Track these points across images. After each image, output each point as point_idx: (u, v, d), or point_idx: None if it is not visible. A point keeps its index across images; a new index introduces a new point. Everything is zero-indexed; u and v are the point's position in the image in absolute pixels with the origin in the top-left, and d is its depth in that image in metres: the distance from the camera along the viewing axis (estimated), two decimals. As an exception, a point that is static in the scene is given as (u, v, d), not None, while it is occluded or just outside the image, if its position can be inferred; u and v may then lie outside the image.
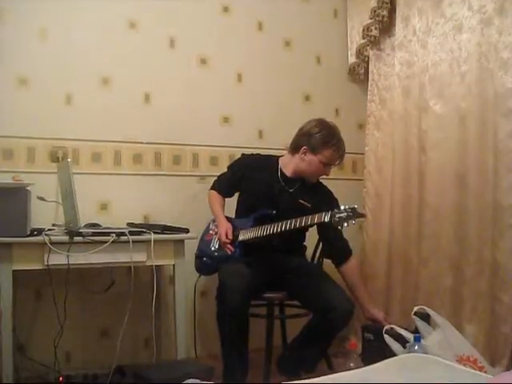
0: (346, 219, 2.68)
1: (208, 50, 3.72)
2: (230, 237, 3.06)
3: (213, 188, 3.35)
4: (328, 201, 3.12)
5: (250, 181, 3.19)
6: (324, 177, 3.20)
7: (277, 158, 3.25)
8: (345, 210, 2.70)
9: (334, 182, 3.63)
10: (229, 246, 3.06)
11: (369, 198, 3.91)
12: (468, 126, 3.23)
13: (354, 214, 2.69)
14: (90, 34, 3.42)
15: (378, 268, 3.79)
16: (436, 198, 3.40)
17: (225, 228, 3.09)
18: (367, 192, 3.93)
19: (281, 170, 3.17)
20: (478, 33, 3.17)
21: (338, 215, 2.70)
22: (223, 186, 3.32)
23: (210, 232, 3.25)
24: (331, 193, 3.22)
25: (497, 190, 3.08)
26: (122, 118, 3.49)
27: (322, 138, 3.05)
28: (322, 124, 3.09)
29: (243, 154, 3.39)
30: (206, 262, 3.20)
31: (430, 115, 3.45)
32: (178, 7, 3.62)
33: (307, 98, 4.02)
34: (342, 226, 2.70)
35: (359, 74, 4.11)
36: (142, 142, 3.52)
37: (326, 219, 2.73)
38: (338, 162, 3.13)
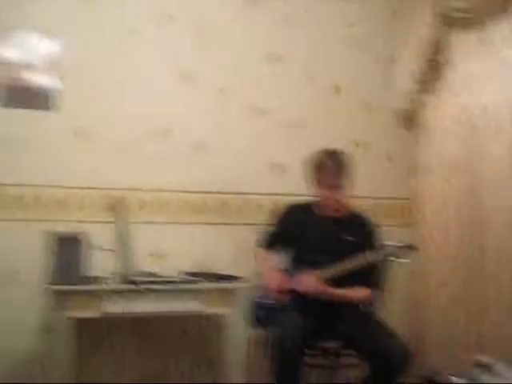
0: (399, 255, 2.65)
1: (260, 100, 3.78)
2: (282, 286, 3.03)
3: (259, 245, 3.30)
4: (370, 233, 3.07)
5: (295, 228, 3.16)
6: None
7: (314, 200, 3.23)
8: (394, 246, 2.66)
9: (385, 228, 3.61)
10: (282, 296, 3.03)
11: (423, 243, 3.82)
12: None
13: (406, 249, 2.68)
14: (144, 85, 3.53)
15: (435, 317, 3.71)
16: (495, 243, 3.33)
17: (277, 278, 3.07)
18: (421, 237, 3.86)
19: (320, 212, 3.15)
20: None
21: (387, 252, 2.67)
22: (269, 241, 3.28)
23: (263, 288, 3.16)
24: (373, 224, 3.15)
25: None
26: (180, 165, 3.57)
27: (312, 167, 3.05)
28: (315, 160, 3.08)
29: (287, 205, 3.35)
30: (261, 315, 3.13)
31: (486, 159, 3.41)
32: (227, 60, 3.71)
33: (357, 145, 4.00)
34: (393, 263, 2.65)
35: (410, 119, 4.07)
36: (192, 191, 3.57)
37: (374, 258, 2.71)
38: (332, 180, 3.03)
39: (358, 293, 3.01)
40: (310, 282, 2.90)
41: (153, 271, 3.17)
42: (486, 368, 2.89)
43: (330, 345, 3.02)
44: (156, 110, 3.54)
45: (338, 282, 2.92)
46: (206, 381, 2.97)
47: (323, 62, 3.96)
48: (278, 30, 3.85)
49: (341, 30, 4.03)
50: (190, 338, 2.97)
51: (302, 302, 3.00)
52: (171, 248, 3.48)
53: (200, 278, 2.99)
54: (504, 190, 3.31)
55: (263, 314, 3.12)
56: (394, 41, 4.14)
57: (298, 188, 3.20)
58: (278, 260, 3.25)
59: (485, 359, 2.92)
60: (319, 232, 3.09)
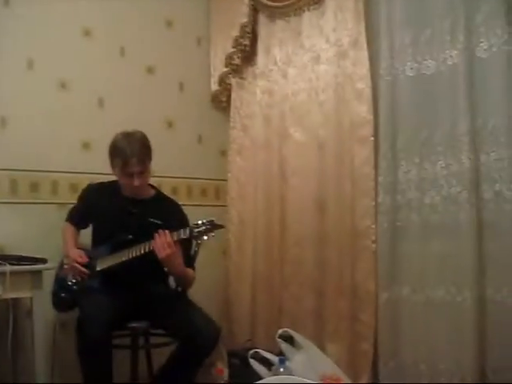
0: (206, 232, 2.70)
1: (68, 74, 3.61)
2: (85, 260, 2.97)
3: (66, 220, 3.27)
4: (176, 214, 3.10)
5: (99, 209, 3.12)
6: (187, 202, 3.19)
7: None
8: (203, 223, 2.72)
9: (196, 208, 3.66)
10: (83, 269, 2.96)
11: (232, 225, 3.97)
12: (326, 153, 3.40)
13: (213, 226, 2.72)
14: None
15: (243, 293, 3.85)
16: (297, 224, 3.53)
17: (76, 254, 3.00)
18: (231, 218, 3.98)
19: (123, 194, 3.11)
20: (334, 64, 3.34)
21: (196, 229, 2.71)
22: (75, 217, 3.25)
23: (65, 267, 3.09)
24: (178, 206, 3.20)
25: (354, 214, 3.24)
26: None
27: (110, 151, 3.01)
28: (113, 141, 3.02)
29: (89, 184, 3.33)
30: (63, 298, 3.06)
31: (291, 143, 3.59)
32: (37, 30, 3.50)
33: (170, 125, 4.02)
34: (202, 240, 2.71)
35: (222, 102, 4.16)
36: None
37: (185, 235, 2.73)
38: (133, 167, 2.94)
39: (189, 272, 3.02)
40: (167, 244, 2.78)
41: None
42: (290, 340, 3.06)
43: (139, 324, 3.00)
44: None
45: (146, 263, 2.89)
46: (10, 367, 2.81)
47: (136, 39, 3.89)
48: (90, 4, 3.70)
49: (155, 9, 3.98)
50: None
51: (108, 282, 2.97)
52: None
53: (1, 261, 2.81)
54: (306, 174, 3.50)
55: (67, 295, 3.04)
56: (209, 22, 4.20)
57: (106, 167, 3.12)
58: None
59: (288, 332, 3.10)
60: (121, 213, 3.05)
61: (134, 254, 2.86)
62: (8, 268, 2.76)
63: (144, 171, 2.97)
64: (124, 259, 2.89)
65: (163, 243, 2.77)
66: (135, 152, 2.92)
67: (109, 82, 3.77)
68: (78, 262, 2.97)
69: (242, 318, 3.81)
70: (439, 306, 2.94)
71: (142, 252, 2.84)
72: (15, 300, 2.99)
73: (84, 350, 2.73)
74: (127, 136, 2.98)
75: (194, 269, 3.09)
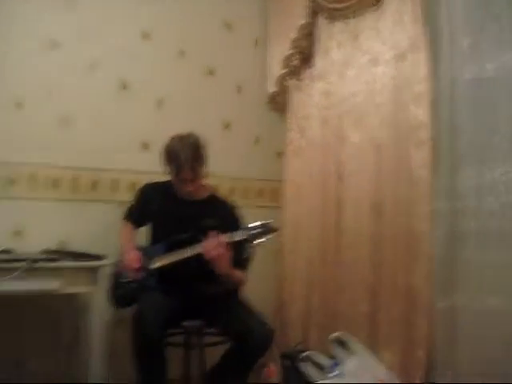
0: (261, 235, 2.70)
1: (129, 75, 3.70)
2: (138, 264, 3.01)
3: (124, 218, 3.32)
4: (232, 215, 3.12)
5: (155, 208, 3.17)
6: (244, 203, 3.20)
7: None
8: (259, 226, 2.72)
9: (252, 209, 3.66)
10: (136, 273, 3.01)
11: (287, 226, 3.96)
12: (383, 155, 3.36)
13: (269, 228, 2.72)
14: None
15: (296, 295, 3.84)
16: (352, 226, 3.50)
17: (131, 256, 3.05)
18: (286, 220, 3.97)
19: (179, 194, 3.14)
20: (392, 66, 3.30)
21: (252, 232, 2.71)
22: (133, 215, 3.30)
23: (122, 265, 3.13)
24: (234, 207, 3.20)
25: (411, 218, 3.19)
26: (38, 141, 3.40)
27: (165, 155, 3.03)
28: (167, 145, 3.04)
29: (146, 184, 3.37)
30: (119, 295, 3.12)
31: (348, 145, 3.56)
32: (100, 32, 3.59)
33: (227, 126, 4.06)
34: (257, 242, 2.70)
35: (279, 103, 4.17)
36: (58, 166, 3.44)
37: (240, 237, 2.74)
38: (186, 174, 2.98)
39: (238, 274, 3.04)
40: (217, 246, 2.81)
41: (10, 249, 3.05)
42: (343, 344, 3.04)
43: (192, 324, 3.04)
44: (12, 79, 3.36)
45: (202, 264, 2.91)
46: (68, 363, 2.88)
47: (195, 41, 3.94)
48: (149, 7, 3.78)
49: (214, 11, 4.03)
50: (51, 319, 2.87)
51: (163, 281, 3.01)
52: (32, 225, 3.35)
53: (60, 256, 2.90)
54: (363, 176, 3.46)
55: (123, 293, 3.10)
56: (267, 24, 4.22)
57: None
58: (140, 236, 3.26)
59: (341, 336, 3.08)
60: (177, 213, 3.09)
61: (187, 255, 2.90)
62: (67, 264, 2.84)
63: (196, 178, 3.01)
64: (178, 259, 2.93)
65: (212, 245, 2.80)
66: (188, 159, 2.94)
67: (168, 83, 3.84)
68: (132, 267, 3.02)
69: (295, 319, 3.80)
70: (496, 315, 2.86)
71: (194, 253, 2.87)
72: (73, 295, 3.07)
73: (139, 347, 2.77)
74: (181, 141, 3.00)
75: (245, 271, 3.09)
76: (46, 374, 3.21)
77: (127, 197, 3.47)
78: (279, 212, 4.02)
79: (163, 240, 3.07)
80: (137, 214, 3.28)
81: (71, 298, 2.99)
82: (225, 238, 2.79)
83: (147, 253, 3.10)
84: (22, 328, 3.13)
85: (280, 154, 4.20)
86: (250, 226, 2.74)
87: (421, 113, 3.14)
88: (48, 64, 3.46)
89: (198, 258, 2.87)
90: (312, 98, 3.88)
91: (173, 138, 3.03)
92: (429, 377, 3.07)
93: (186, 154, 2.94)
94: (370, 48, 3.46)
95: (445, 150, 3.09)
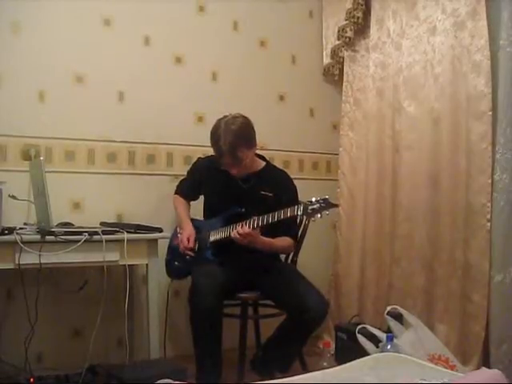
0: (320, 210, 2.67)
1: (183, 49, 3.71)
2: (192, 244, 3.06)
3: (176, 193, 3.36)
4: (287, 187, 3.12)
5: (209, 183, 3.19)
6: (298, 176, 3.18)
7: None
8: (317, 201, 2.69)
9: (307, 182, 3.66)
10: (189, 252, 3.06)
11: (343, 199, 3.95)
12: (441, 127, 3.29)
13: (327, 204, 2.68)
14: (64, 29, 3.38)
15: (352, 267, 3.84)
16: (409, 199, 3.45)
17: (187, 234, 3.09)
18: (341, 192, 3.96)
19: None
20: (451, 35, 3.21)
21: (310, 207, 2.68)
22: (185, 190, 3.33)
23: (178, 235, 3.20)
24: (289, 178, 3.19)
25: (469, 191, 3.13)
26: (96, 117, 3.46)
27: (211, 138, 3.00)
28: (213, 127, 3.01)
29: (199, 158, 3.40)
30: (177, 266, 3.19)
31: (404, 116, 3.50)
32: (154, 6, 3.60)
33: (282, 98, 4.03)
34: (315, 218, 2.69)
35: (334, 75, 4.13)
36: (115, 141, 3.49)
37: (299, 212, 2.71)
38: (226, 160, 2.97)
39: (282, 242, 3.06)
40: (244, 228, 2.84)
41: (70, 222, 3.14)
42: (398, 317, 3.03)
43: (249, 295, 3.07)
44: (74, 55, 3.41)
45: (262, 234, 2.92)
46: (126, 332, 2.95)
47: (249, 14, 3.91)
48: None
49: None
50: (110, 289, 2.94)
51: (219, 253, 3.05)
52: (91, 199, 3.42)
53: (118, 229, 2.96)
54: (420, 148, 3.40)
55: (180, 264, 3.17)
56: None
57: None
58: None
59: (396, 309, 3.06)
60: (232, 187, 3.10)
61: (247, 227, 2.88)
62: (125, 236, 2.90)
63: (237, 164, 2.98)
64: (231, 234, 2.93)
65: (241, 235, 2.83)
66: (228, 145, 2.91)
67: (222, 56, 3.84)
68: (187, 246, 3.06)
69: (350, 292, 3.81)
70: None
71: (254, 226, 2.84)
72: (132, 267, 3.14)
73: (196, 318, 2.81)
74: (225, 125, 2.95)
75: (294, 238, 3.13)
76: (105, 344, 3.33)
77: (181, 170, 3.51)
78: (334, 185, 4.00)
79: (219, 213, 3.10)
80: (190, 189, 3.31)
81: (130, 268, 3.05)
82: (286, 212, 2.76)
83: (203, 227, 3.14)
84: (82, 299, 3.22)
85: (335, 127, 4.17)
86: (308, 200, 2.72)
87: (481, 83, 3.06)
88: (106, 41, 3.51)
89: (254, 229, 2.86)
90: (367, 69, 3.83)
91: (219, 121, 3.00)
92: (486, 351, 3.04)
93: (226, 140, 2.91)
94: (427, 17, 3.36)
95: (505, 121, 3.01)
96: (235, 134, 2.93)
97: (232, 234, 2.88)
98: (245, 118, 3.02)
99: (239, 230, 2.84)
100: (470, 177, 3.13)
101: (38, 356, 3.26)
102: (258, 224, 2.83)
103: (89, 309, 3.16)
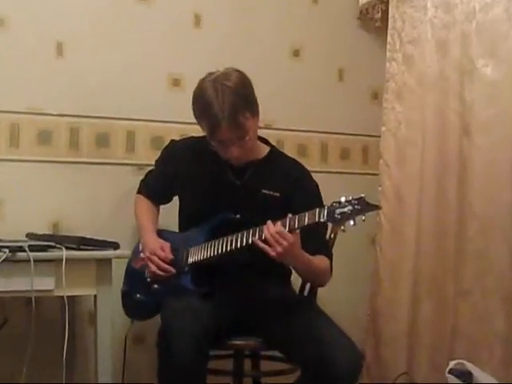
0: (352, 215, 2.60)
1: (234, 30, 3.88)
2: (170, 255, 3.01)
3: (139, 192, 3.36)
4: (302, 182, 3.11)
5: (188, 177, 3.17)
6: (319, 167, 3.15)
7: None
8: (348, 201, 2.61)
9: (333, 176, 3.63)
10: (166, 266, 3.00)
11: (386, 201, 3.94)
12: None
13: (363, 206, 2.60)
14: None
15: (399, 302, 3.86)
16: (484, 202, 3.43)
17: (155, 244, 3.06)
18: (383, 192, 3.97)
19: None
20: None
21: (338, 210, 2.61)
22: (152, 187, 3.33)
23: (141, 256, 3.16)
24: (305, 170, 3.19)
25: None
26: (23, 77, 3.47)
27: (194, 112, 2.98)
28: (195, 91, 2.98)
29: (172, 140, 3.39)
30: (139, 300, 3.15)
31: (478, 82, 3.48)
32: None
33: (296, 53, 4.04)
34: (346, 226, 2.60)
35: (374, 20, 4.14)
36: (50, 114, 3.49)
37: (323, 218, 2.64)
38: (225, 133, 2.91)
39: (320, 263, 2.98)
40: (279, 237, 2.71)
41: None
42: (465, 376, 2.99)
43: (246, 342, 3.04)
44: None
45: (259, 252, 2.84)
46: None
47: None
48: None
49: None
50: (40, 331, 2.91)
51: (203, 281, 3.01)
52: (13, 199, 3.44)
53: (54, 243, 2.94)
54: (501, 129, 3.38)
55: (145, 297, 3.15)
56: None
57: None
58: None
59: (463, 365, 3.03)
60: (222, 183, 3.09)
61: (237, 245, 2.85)
62: (64, 253, 2.85)
63: (242, 136, 2.94)
64: (227, 249, 2.90)
65: (273, 237, 2.71)
66: (228, 110, 2.85)
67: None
68: (158, 256, 3.01)
69: (395, 340, 3.83)
70: None
71: (247, 243, 2.81)
72: (73, 299, 3.16)
73: (167, 376, 2.78)
74: (216, 83, 2.89)
75: (330, 257, 3.06)
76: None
77: (149, 158, 3.54)
78: (373, 181, 4.01)
79: (203, 222, 3.06)
80: (159, 186, 3.31)
81: (72, 301, 3.03)
82: (296, 220, 2.72)
83: (179, 242, 3.11)
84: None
85: (375, 96, 4.18)
86: (336, 201, 2.66)
87: None
88: (158, 22, 3.72)
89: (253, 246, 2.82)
90: (424, 12, 3.82)
91: (202, 81, 2.96)
92: None
93: (224, 101, 2.85)
94: None
95: None
96: (234, 92, 2.88)
97: (254, 239, 2.76)
98: (240, 72, 2.97)
99: (270, 228, 2.73)
100: None
101: None
102: (296, 225, 2.72)
103: (11, 358, 3.17)
